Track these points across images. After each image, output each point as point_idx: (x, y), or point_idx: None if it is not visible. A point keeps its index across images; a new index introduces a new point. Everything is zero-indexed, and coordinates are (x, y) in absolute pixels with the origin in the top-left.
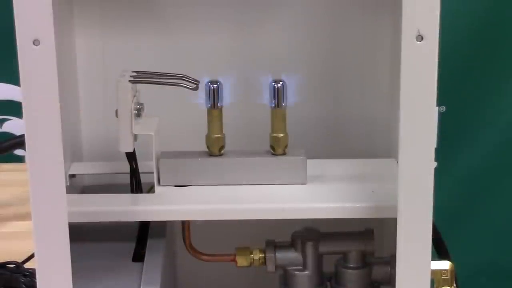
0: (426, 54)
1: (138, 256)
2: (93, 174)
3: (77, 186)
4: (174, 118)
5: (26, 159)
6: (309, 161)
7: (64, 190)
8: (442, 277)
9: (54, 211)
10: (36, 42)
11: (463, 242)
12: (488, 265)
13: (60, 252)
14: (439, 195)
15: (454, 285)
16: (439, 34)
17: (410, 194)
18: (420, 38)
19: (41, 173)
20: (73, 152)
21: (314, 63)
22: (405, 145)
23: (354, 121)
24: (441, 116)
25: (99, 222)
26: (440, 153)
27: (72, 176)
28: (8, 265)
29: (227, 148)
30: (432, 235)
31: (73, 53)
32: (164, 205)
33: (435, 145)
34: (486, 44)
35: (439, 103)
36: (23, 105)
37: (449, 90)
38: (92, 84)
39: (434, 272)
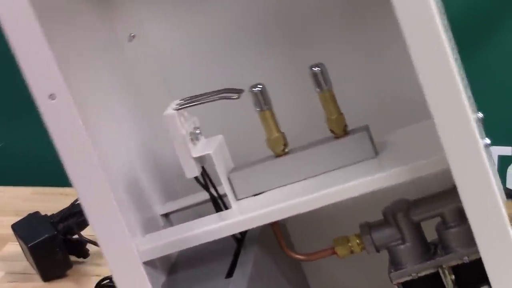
0: None
1: (231, 273)
2: (181, 208)
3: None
4: (242, 130)
5: None
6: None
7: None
8: None
9: None
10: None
11: None
12: None
13: None
14: None
15: None
16: None
17: None
18: None
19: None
20: (166, 191)
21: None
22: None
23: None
24: None
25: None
26: None
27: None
28: None
29: (291, 146)
30: None
31: None
32: (248, 213)
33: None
34: None
35: None
36: None
37: None
38: None
39: None
